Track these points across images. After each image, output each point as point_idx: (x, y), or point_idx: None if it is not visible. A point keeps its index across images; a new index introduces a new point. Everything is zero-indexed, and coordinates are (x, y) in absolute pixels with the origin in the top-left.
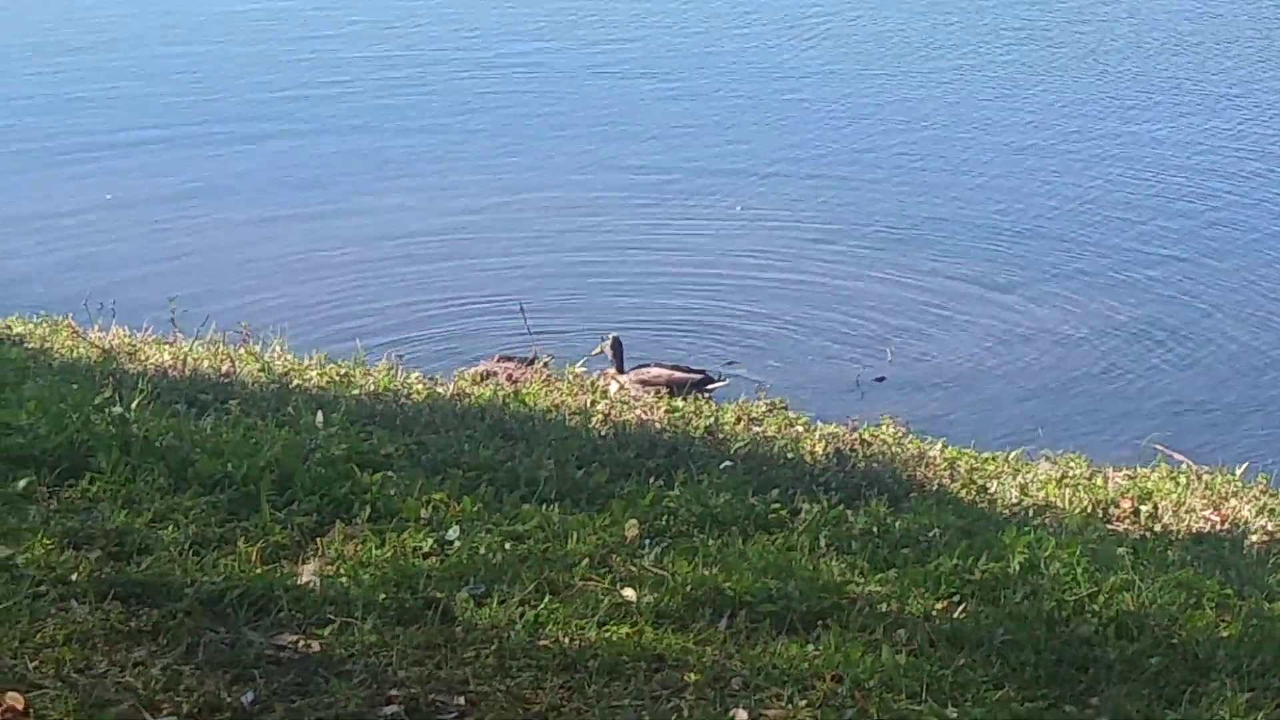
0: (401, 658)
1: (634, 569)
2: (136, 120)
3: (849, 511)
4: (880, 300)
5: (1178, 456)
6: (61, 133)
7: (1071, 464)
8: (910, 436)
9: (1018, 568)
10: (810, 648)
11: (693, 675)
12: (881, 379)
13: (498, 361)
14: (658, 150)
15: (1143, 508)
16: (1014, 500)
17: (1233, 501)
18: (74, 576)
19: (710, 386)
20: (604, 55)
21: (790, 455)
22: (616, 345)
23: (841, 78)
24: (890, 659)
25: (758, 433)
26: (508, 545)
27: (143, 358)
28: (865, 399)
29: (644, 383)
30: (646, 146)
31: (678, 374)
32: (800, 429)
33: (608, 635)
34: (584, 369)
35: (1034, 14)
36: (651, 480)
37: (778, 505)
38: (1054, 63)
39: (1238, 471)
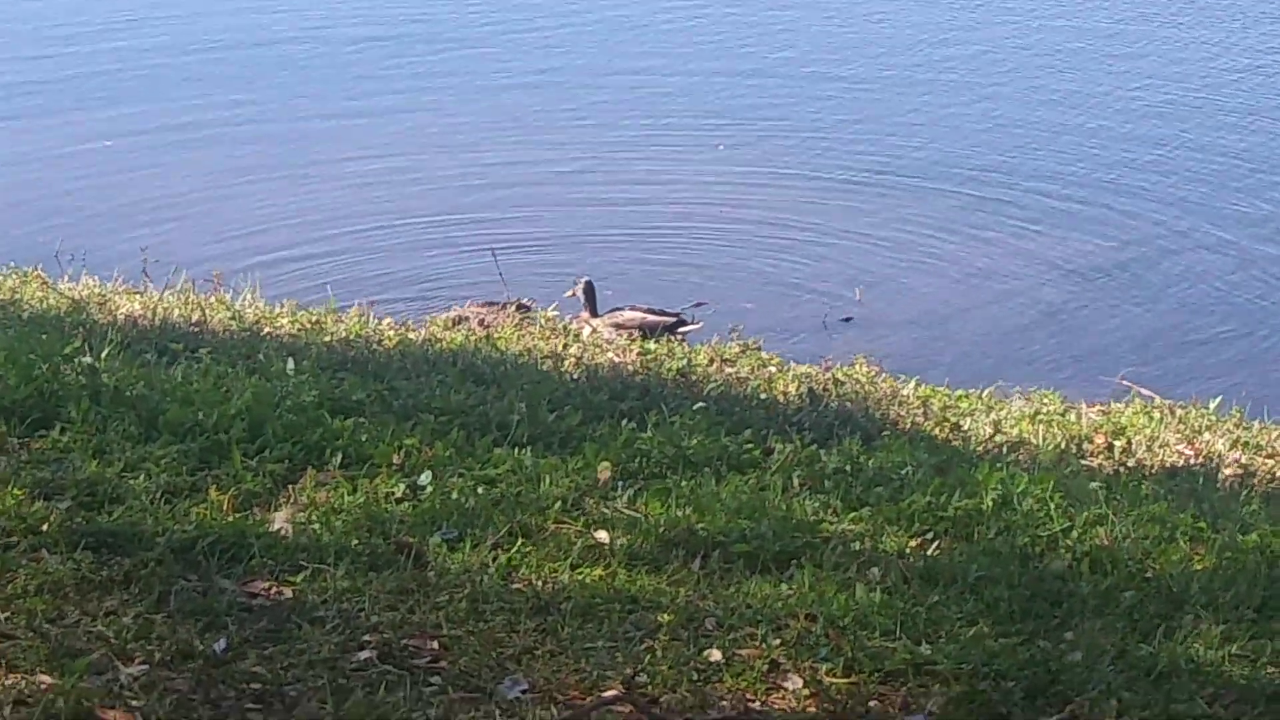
0: (374, 603)
1: (607, 511)
2: (107, 69)
3: (822, 451)
4: (849, 240)
5: (1146, 392)
6: (41, 81)
7: (1045, 400)
8: (884, 375)
9: (991, 504)
10: (784, 587)
11: (666, 616)
12: (849, 319)
13: (479, 306)
14: (635, 93)
15: (1116, 443)
16: (987, 437)
17: (1206, 435)
18: (45, 527)
19: (683, 329)
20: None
21: (763, 396)
22: (589, 289)
23: (814, 21)
24: (864, 597)
25: (730, 374)
26: (480, 490)
27: (113, 308)
28: (833, 339)
29: (618, 326)
30: (622, 88)
31: (651, 317)
32: (773, 369)
33: (581, 578)
34: (556, 313)
35: None
36: (624, 423)
37: (750, 446)
38: (1025, 6)
39: (1211, 405)
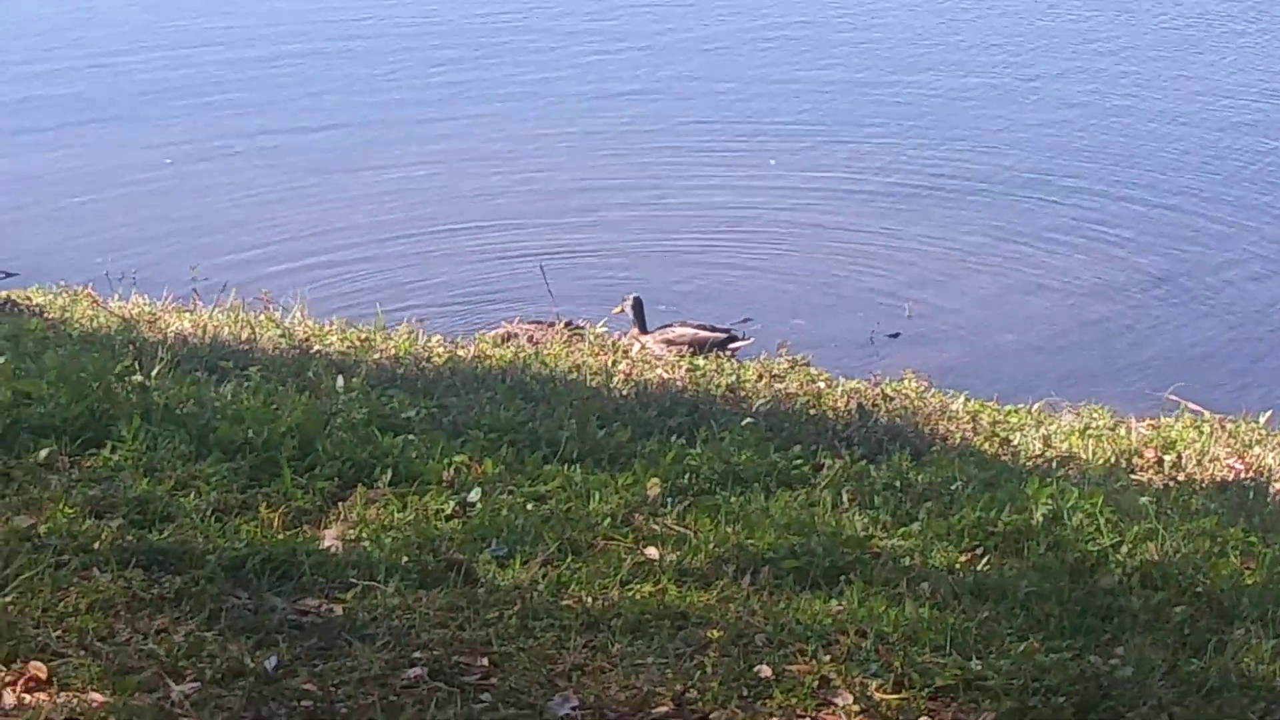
0: (425, 620)
1: (656, 527)
2: (156, 89)
3: (871, 466)
4: (897, 254)
5: (1195, 407)
6: (86, 102)
7: (1095, 415)
8: (932, 390)
9: (1041, 519)
10: (834, 603)
11: (716, 633)
12: (896, 335)
13: (529, 324)
14: (686, 105)
15: (1166, 457)
16: (1037, 452)
17: (1256, 449)
18: (96, 545)
19: (734, 345)
20: (634, 17)
21: (812, 411)
22: (637, 305)
23: (867, 33)
24: (914, 612)
25: (779, 389)
26: (530, 506)
27: (163, 326)
28: (881, 354)
29: (669, 342)
30: (674, 101)
31: (702, 333)
32: (822, 385)
33: (631, 594)
34: (606, 329)
35: None
36: (673, 439)
37: (800, 461)
38: (1072, 13)
39: (1262, 419)
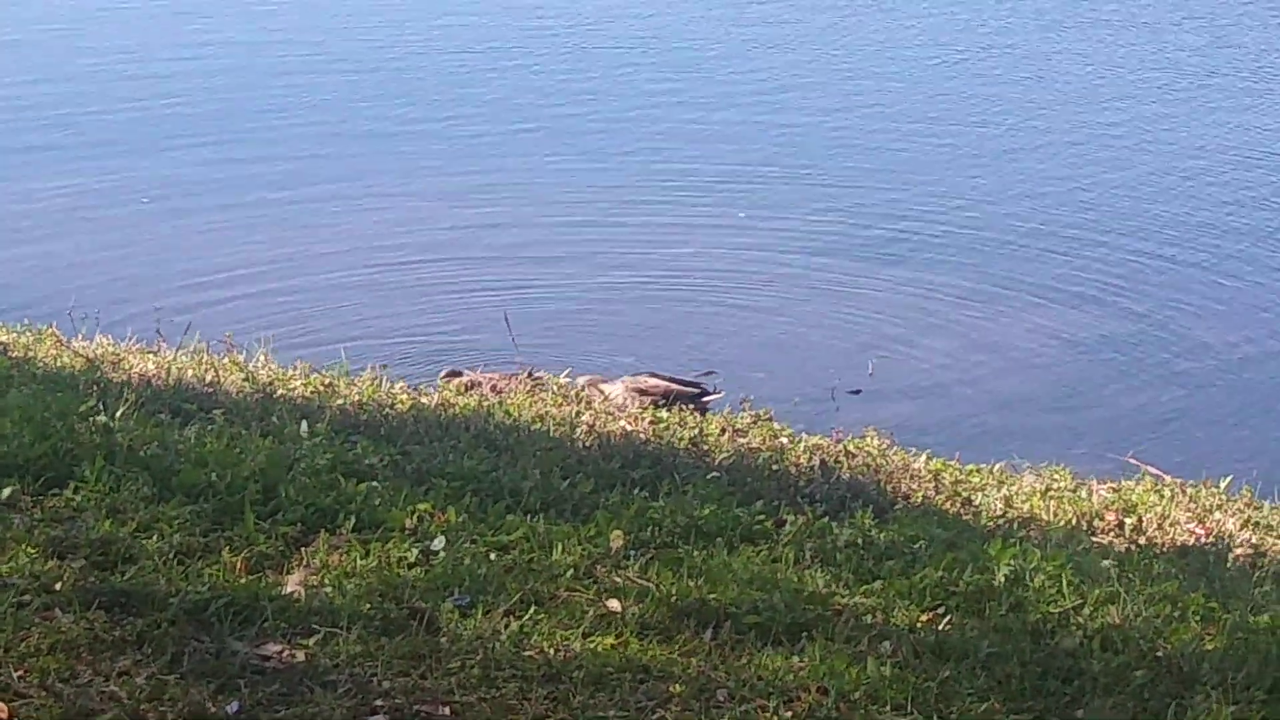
0: (386, 668)
1: (619, 580)
2: (110, 126)
3: (834, 523)
4: (863, 310)
5: (1155, 471)
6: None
7: (1056, 476)
8: (895, 448)
9: (1003, 580)
10: (795, 659)
11: (678, 686)
12: (858, 391)
13: (493, 374)
14: (656, 154)
15: (1127, 520)
16: (999, 512)
17: (1217, 514)
18: (58, 585)
19: (707, 398)
20: (600, 58)
21: (775, 467)
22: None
23: (839, 85)
24: (875, 670)
25: (742, 444)
26: (493, 556)
27: (127, 367)
28: (843, 410)
29: (642, 391)
30: (645, 149)
31: (675, 385)
32: (785, 440)
33: (593, 646)
34: (568, 379)
35: (1021, 24)
36: (636, 491)
37: (762, 517)
38: (1040, 75)
39: (1222, 484)
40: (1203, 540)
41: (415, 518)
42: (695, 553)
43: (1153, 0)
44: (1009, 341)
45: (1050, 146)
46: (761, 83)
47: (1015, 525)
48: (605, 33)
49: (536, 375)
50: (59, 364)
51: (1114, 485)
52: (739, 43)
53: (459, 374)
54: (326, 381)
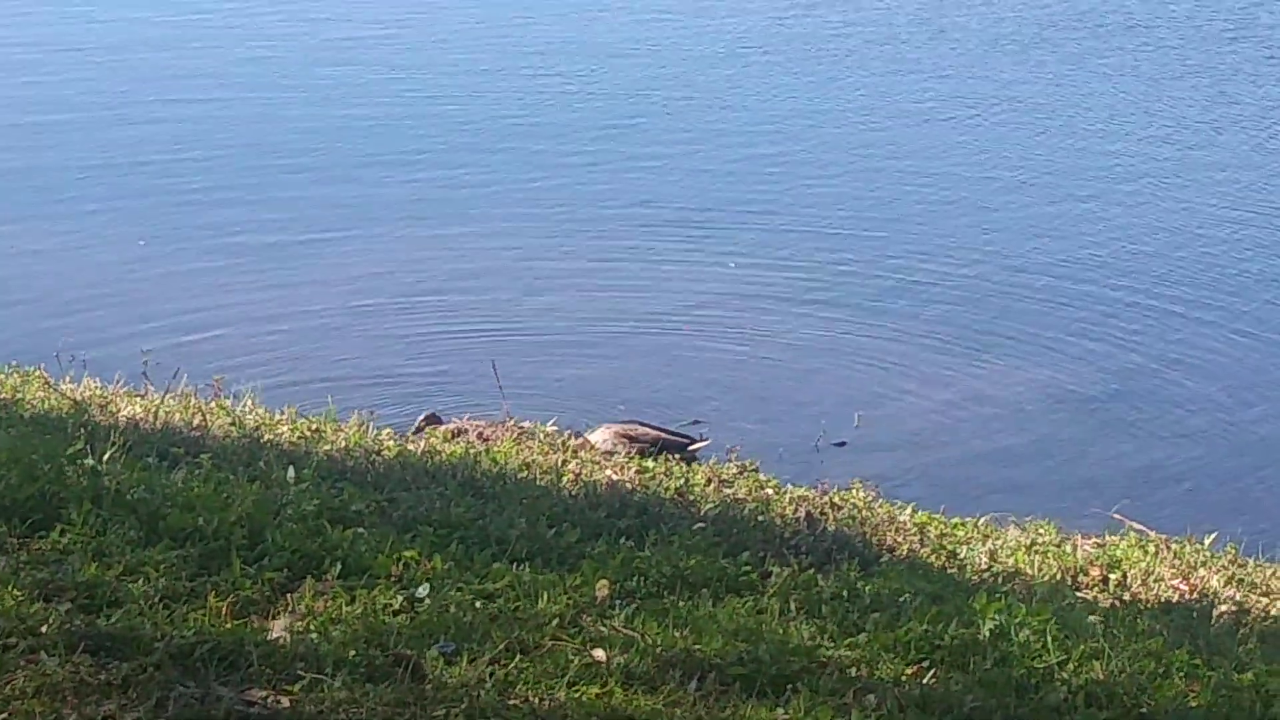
0: (371, 715)
1: (604, 630)
2: (93, 170)
3: (819, 575)
4: (845, 360)
5: (1140, 527)
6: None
7: (1041, 531)
8: (880, 500)
9: (988, 634)
10: (780, 711)
11: None
12: (843, 444)
13: (479, 421)
14: (642, 204)
15: (1112, 576)
16: (984, 566)
17: (1201, 571)
18: (44, 629)
19: (694, 446)
20: (590, 106)
21: (761, 518)
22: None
23: (825, 139)
24: None
25: (728, 494)
26: (478, 604)
27: (114, 409)
28: (828, 462)
29: (631, 439)
30: (633, 197)
31: (664, 435)
32: (771, 491)
33: (577, 695)
34: (555, 428)
35: (1017, 75)
36: (622, 541)
37: (748, 568)
38: (1026, 127)
39: (1206, 541)
40: (1187, 597)
41: (401, 565)
42: (681, 603)
43: (1148, 52)
44: (995, 394)
45: (1035, 200)
46: (751, 133)
47: (1000, 579)
48: (594, 79)
49: (522, 425)
50: (46, 406)
51: (1099, 540)
52: (726, 94)
53: (437, 418)
54: (314, 427)
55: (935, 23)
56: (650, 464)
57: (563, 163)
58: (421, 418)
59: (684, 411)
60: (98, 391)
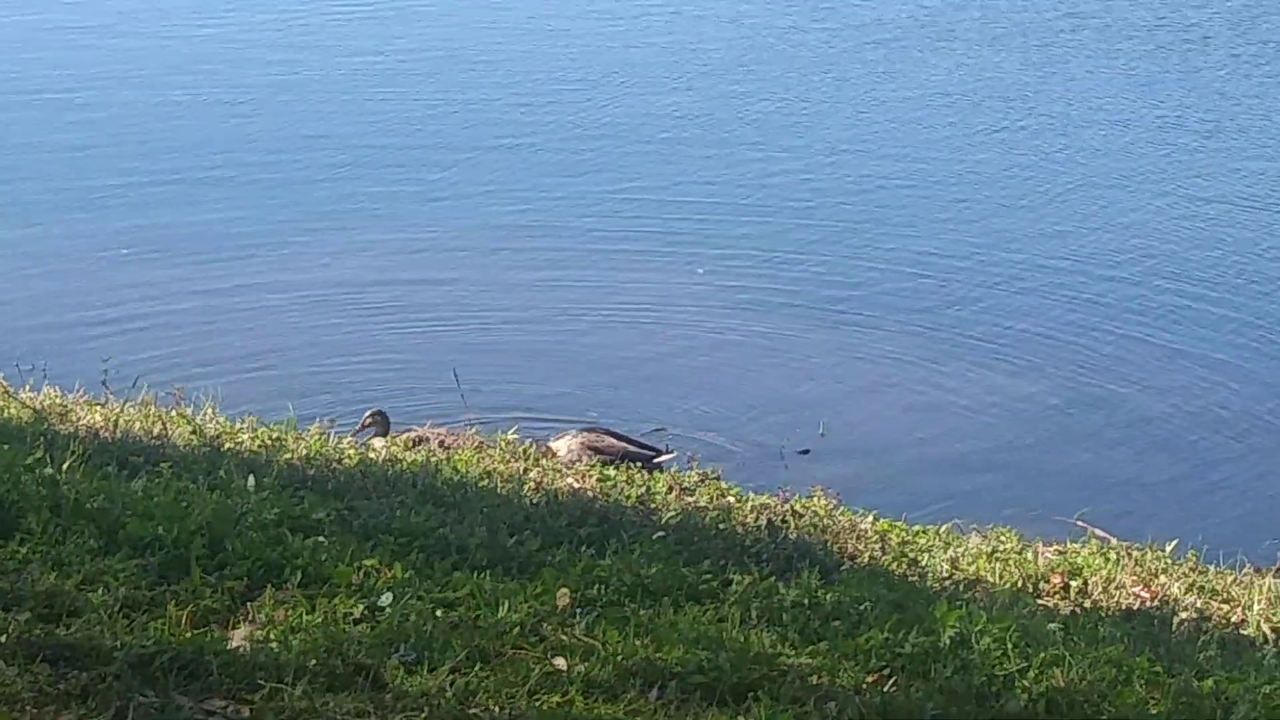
0: None
1: (565, 638)
2: (65, 174)
3: (780, 583)
4: (809, 369)
5: (1102, 533)
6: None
7: (1002, 538)
8: (842, 508)
9: (948, 642)
10: (741, 719)
11: None
12: (806, 451)
13: (440, 429)
14: (608, 211)
15: (1073, 583)
16: (945, 574)
17: (1162, 578)
18: (2, 638)
19: (658, 460)
20: (562, 113)
21: (722, 526)
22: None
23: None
24: None
25: (689, 503)
26: (439, 612)
27: (74, 419)
28: (790, 469)
29: (597, 450)
30: (598, 207)
31: (632, 448)
32: (732, 500)
33: (538, 704)
34: (516, 436)
35: (979, 83)
36: (583, 549)
37: (709, 576)
38: (992, 137)
39: (1167, 548)
40: (1148, 604)
41: (362, 573)
42: (642, 611)
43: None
44: (958, 403)
45: (999, 210)
46: (720, 142)
47: (961, 587)
48: (561, 88)
49: (482, 433)
50: (5, 415)
51: (1060, 548)
52: (696, 102)
53: (384, 415)
54: (274, 435)
55: (895, 23)
56: (611, 472)
57: (528, 168)
58: (368, 414)
59: (648, 418)
60: (58, 400)
